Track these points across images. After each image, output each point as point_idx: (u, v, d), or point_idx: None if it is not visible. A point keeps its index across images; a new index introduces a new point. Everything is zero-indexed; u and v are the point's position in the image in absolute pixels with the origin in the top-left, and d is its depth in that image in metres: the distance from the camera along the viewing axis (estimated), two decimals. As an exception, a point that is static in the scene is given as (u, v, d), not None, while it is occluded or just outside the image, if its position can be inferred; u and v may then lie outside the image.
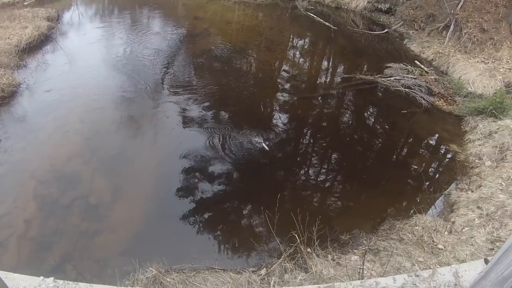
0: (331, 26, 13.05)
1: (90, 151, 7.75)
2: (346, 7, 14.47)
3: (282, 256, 5.02)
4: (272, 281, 4.69)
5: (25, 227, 6.20)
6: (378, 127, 8.81)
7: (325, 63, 11.18)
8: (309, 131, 8.28)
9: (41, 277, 4.44)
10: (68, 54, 11.91)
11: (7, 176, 7.23)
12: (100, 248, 5.77)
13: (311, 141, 8.04)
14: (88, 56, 11.80)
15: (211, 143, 7.85)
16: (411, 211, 6.25)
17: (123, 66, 11.22)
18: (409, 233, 5.82)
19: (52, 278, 4.44)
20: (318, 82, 10.29)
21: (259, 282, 4.70)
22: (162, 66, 11.14)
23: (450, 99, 9.59)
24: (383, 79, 10.13)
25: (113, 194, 6.73)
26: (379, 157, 7.73)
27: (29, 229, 6.17)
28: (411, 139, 8.66)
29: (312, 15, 13.83)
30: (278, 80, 10.23)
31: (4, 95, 9.51)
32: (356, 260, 5.21)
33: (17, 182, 7.07)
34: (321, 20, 13.41)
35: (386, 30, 13.21)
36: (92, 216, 6.31)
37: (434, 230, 5.83)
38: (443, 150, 8.37)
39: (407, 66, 10.67)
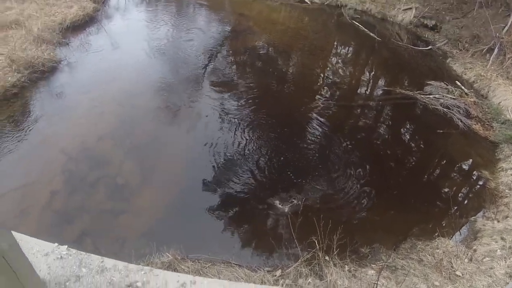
0: (375, 37, 12.82)
1: (123, 134, 7.85)
2: (392, 20, 14.17)
3: (299, 260, 4.98)
4: (285, 283, 4.68)
5: (49, 198, 6.36)
6: (413, 144, 8.59)
7: (366, 74, 10.95)
8: (343, 140, 8.08)
9: (56, 244, 4.58)
10: (111, 37, 12.10)
11: (39, 148, 7.42)
12: (121, 228, 5.86)
13: (344, 149, 7.85)
14: (132, 41, 11.96)
15: (243, 141, 7.83)
16: (435, 234, 6.10)
17: (165, 54, 11.33)
18: (429, 255, 5.71)
19: (66, 246, 4.56)
20: (358, 91, 10.07)
21: (272, 283, 4.69)
22: (204, 58, 11.15)
23: (487, 124, 9.28)
24: (422, 96, 9.90)
25: (140, 178, 6.81)
26: (410, 175, 7.51)
27: (53, 201, 6.32)
28: (444, 160, 8.42)
29: (358, 24, 13.63)
30: (319, 85, 10.11)
31: (44, 70, 9.76)
32: (372, 275, 5.14)
33: (47, 154, 7.24)
34: (366, 30, 13.20)
35: (429, 47, 12.93)
36: (117, 196, 6.41)
37: (455, 256, 5.70)
38: (475, 175, 8.12)
39: (447, 85, 10.42)
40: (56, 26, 11.68)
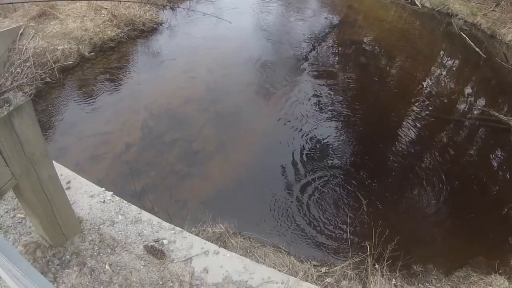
0: (481, 53, 12.02)
1: (209, 102, 8.04)
2: (501, 38, 13.10)
3: (347, 262, 4.91)
4: (326, 282, 4.66)
5: (123, 149, 6.71)
6: (500, 172, 8.01)
7: (465, 90, 10.23)
8: (427, 153, 7.59)
9: (103, 189, 4.89)
10: (218, 8, 12.43)
11: (125, 100, 7.89)
12: (185, 191, 6.06)
13: (426, 163, 7.38)
14: (238, 15, 12.16)
15: (328, 133, 7.68)
16: (493, 270, 5.76)
17: (270, 31, 11.48)
18: (480, 289, 5.45)
19: (112, 193, 4.85)
20: (454, 106, 9.45)
21: (314, 277, 4.68)
22: (308, 43, 11.13)
23: None
24: (515, 123, 9.25)
25: (215, 147, 6.95)
26: (488, 205, 6.96)
27: (127, 152, 6.67)
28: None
29: (465, 36, 12.82)
30: (415, 92, 9.63)
31: (144, 29, 10.29)
32: (418, 295, 5.00)
33: (131, 108, 7.67)
34: (472, 44, 12.39)
35: (535, 73, 12.04)
36: (189, 161, 6.61)
37: (505, 296, 5.40)
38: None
39: (543, 116, 9.66)
40: (163, -11, 12.17)
